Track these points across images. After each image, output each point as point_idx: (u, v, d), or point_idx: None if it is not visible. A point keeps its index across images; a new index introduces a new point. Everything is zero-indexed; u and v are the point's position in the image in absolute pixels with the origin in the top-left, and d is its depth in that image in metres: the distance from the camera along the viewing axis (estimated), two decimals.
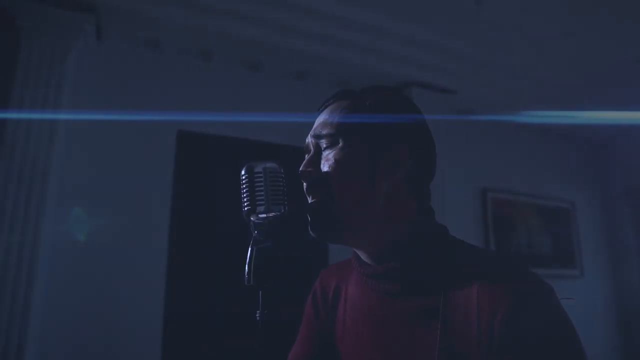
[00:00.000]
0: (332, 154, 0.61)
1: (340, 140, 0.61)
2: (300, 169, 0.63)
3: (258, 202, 0.54)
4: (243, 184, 0.56)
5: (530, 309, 0.49)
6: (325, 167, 0.61)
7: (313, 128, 0.65)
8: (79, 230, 1.89)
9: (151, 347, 2.09)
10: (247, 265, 0.53)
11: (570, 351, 0.49)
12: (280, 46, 2.43)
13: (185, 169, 2.36)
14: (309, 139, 0.65)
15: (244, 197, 0.55)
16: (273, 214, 0.54)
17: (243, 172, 0.56)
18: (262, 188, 0.54)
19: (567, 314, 0.50)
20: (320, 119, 0.65)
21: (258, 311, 0.51)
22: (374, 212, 0.60)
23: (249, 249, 0.55)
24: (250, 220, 0.56)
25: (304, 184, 0.63)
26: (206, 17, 2.22)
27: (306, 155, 0.65)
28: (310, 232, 0.60)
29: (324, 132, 0.62)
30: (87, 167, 2.14)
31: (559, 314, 0.50)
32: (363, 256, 0.64)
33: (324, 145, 0.62)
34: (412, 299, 0.58)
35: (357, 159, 0.60)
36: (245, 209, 0.55)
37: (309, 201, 0.62)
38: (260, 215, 0.54)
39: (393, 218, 0.61)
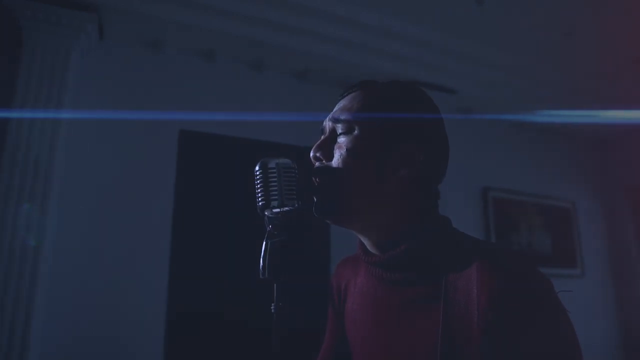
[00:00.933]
0: (345, 142, 0.62)
1: (356, 129, 0.62)
2: (312, 150, 0.64)
3: (272, 197, 0.55)
4: (257, 179, 0.56)
5: (529, 299, 0.50)
6: (336, 153, 0.63)
7: (332, 111, 0.67)
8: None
9: (154, 345, 2.09)
10: (261, 259, 0.54)
11: (564, 341, 0.50)
12: (282, 46, 2.44)
13: (187, 168, 2.36)
14: (326, 122, 0.66)
15: (258, 193, 0.56)
16: (286, 208, 0.55)
17: (257, 168, 0.57)
18: (275, 183, 0.55)
19: (564, 308, 0.52)
20: (341, 104, 0.67)
21: (273, 304, 0.52)
22: (379, 204, 0.62)
23: (264, 242, 0.56)
24: (265, 214, 0.57)
25: (315, 163, 0.64)
26: (208, 17, 2.23)
27: (322, 136, 0.67)
28: (314, 213, 0.62)
29: (342, 117, 0.63)
30: (90, 167, 2.14)
31: (557, 307, 0.51)
32: (368, 245, 0.66)
33: (340, 131, 0.64)
34: (415, 286, 0.60)
35: (369, 151, 0.61)
36: (260, 203, 0.56)
37: (316, 183, 0.63)
38: (274, 210, 0.55)
39: (397, 211, 0.62)
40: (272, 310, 0.52)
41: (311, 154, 0.65)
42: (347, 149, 0.61)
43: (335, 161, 0.62)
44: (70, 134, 2.09)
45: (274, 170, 0.56)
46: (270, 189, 0.55)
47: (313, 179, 0.62)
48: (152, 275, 2.16)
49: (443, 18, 2.39)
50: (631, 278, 3.61)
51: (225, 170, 2.46)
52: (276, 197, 0.55)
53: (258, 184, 0.56)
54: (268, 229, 0.56)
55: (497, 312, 0.50)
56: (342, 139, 0.63)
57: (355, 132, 0.62)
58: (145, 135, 2.29)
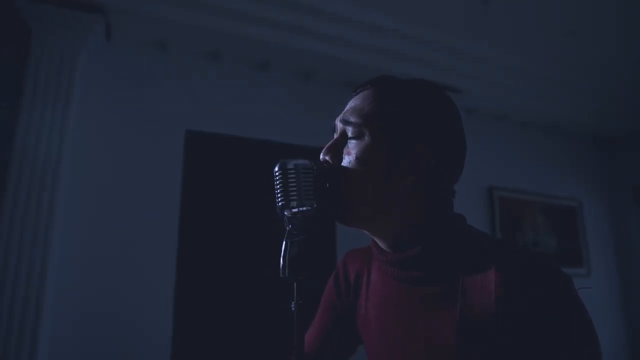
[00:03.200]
0: (355, 148, 0.61)
1: (366, 134, 0.61)
2: (322, 152, 0.64)
3: (291, 198, 0.56)
4: (277, 180, 0.57)
5: (549, 295, 0.50)
6: (346, 158, 0.62)
7: (343, 111, 0.65)
8: None
9: (161, 348, 2.10)
10: (281, 258, 0.55)
11: (586, 340, 0.50)
12: (288, 46, 2.44)
13: (193, 169, 2.37)
14: (337, 122, 0.66)
15: (278, 193, 0.57)
16: (304, 208, 0.56)
17: (276, 169, 0.58)
18: (294, 184, 0.56)
19: (584, 304, 0.52)
20: (352, 104, 0.65)
21: (293, 302, 0.53)
22: (390, 207, 0.61)
23: (284, 242, 0.56)
24: (284, 214, 0.57)
25: (325, 166, 0.63)
26: (214, 18, 2.23)
27: (334, 135, 0.66)
28: (327, 215, 0.61)
29: (352, 119, 0.62)
30: (96, 167, 2.15)
31: (578, 303, 0.51)
32: (381, 243, 0.66)
33: (350, 134, 0.63)
34: (431, 285, 0.60)
35: (379, 158, 0.60)
36: (280, 204, 0.57)
37: (326, 185, 0.62)
38: (293, 210, 0.56)
39: (410, 212, 0.62)
40: (292, 309, 0.52)
41: (321, 157, 0.64)
42: (356, 157, 0.60)
43: (344, 169, 0.61)
44: (78, 134, 2.10)
45: (293, 171, 0.56)
46: (290, 189, 0.56)
47: (325, 181, 0.62)
48: (158, 277, 2.16)
49: (448, 18, 2.39)
50: (637, 277, 3.60)
51: (231, 170, 2.47)
52: (295, 197, 0.55)
53: (277, 184, 0.57)
54: (288, 228, 0.57)
55: (517, 311, 0.50)
56: (352, 144, 0.62)
57: (366, 137, 0.61)
58: (152, 136, 2.30)
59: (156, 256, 2.18)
